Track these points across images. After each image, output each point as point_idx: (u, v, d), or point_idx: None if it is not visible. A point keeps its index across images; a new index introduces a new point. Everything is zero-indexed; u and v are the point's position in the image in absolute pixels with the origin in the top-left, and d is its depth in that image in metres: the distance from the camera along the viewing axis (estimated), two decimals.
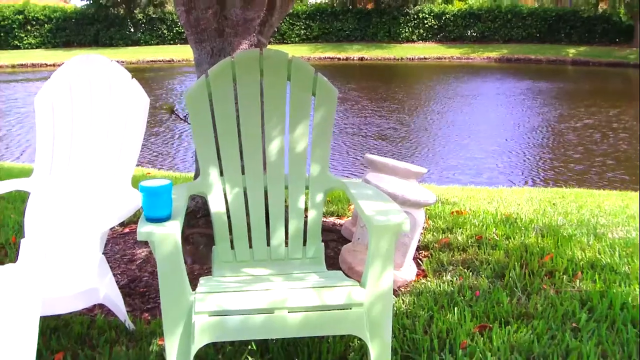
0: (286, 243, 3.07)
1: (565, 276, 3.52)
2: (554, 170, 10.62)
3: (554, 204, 5.76)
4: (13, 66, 34.72)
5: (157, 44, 41.72)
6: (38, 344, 2.25)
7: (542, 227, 4.46)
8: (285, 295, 2.30)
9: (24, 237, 3.06)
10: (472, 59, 35.37)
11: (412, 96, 20.19)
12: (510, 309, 3.11)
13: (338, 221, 4.56)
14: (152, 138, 12.65)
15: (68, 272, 2.79)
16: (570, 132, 13.74)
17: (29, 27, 41.80)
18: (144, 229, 2.25)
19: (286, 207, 3.09)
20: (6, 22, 41.54)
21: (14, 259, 3.67)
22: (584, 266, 3.67)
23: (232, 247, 3.02)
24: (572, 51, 34.65)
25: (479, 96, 20.28)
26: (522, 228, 4.43)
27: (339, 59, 36.25)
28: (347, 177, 3.09)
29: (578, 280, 3.47)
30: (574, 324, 2.96)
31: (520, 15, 39.35)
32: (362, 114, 16.23)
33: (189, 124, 3.06)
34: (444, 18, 40.62)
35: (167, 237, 2.24)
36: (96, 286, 2.68)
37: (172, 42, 41.98)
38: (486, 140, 12.80)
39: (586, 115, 15.98)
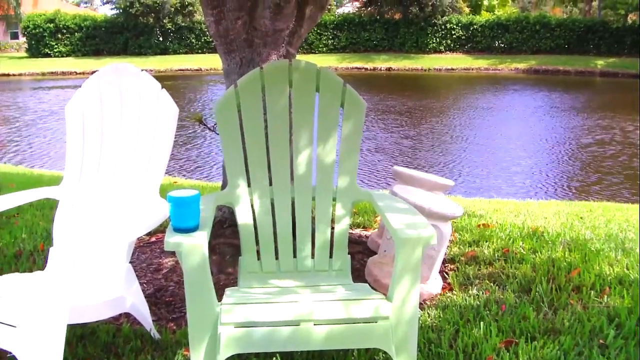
0: (312, 255, 3.06)
1: (592, 291, 3.48)
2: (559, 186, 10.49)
3: (581, 217, 5.71)
4: (43, 74, 35.15)
5: (186, 52, 42.06)
6: (64, 351, 2.26)
7: (570, 241, 4.42)
8: (311, 308, 2.30)
9: (52, 244, 3.08)
10: (499, 70, 35.28)
11: (423, 107, 20.06)
12: (537, 324, 3.08)
13: (364, 233, 4.55)
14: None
15: (95, 281, 2.81)
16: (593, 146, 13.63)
17: (59, 36, 42.37)
18: (172, 239, 2.26)
19: (313, 218, 3.09)
20: (37, 31, 42.13)
21: (42, 267, 3.70)
22: (612, 281, 3.62)
23: (259, 258, 3.03)
24: (600, 62, 34.40)
25: (497, 109, 20.18)
26: (549, 242, 4.39)
27: (366, 69, 36.31)
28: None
29: (606, 296, 3.43)
30: (601, 341, 2.93)
31: (548, 26, 39.17)
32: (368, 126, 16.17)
33: (218, 134, 3.07)
34: (471, 29, 40.57)
35: (194, 247, 2.25)
36: (123, 295, 2.70)
37: (200, 51, 42.28)
38: (493, 155, 12.64)
39: (608, 129, 15.82)
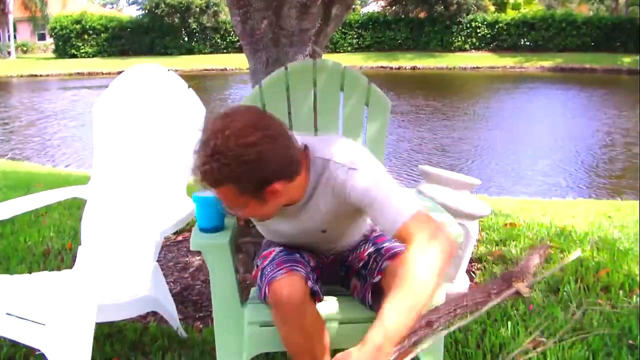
0: None
1: (621, 291, 3.45)
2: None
3: (609, 216, 5.66)
4: (70, 74, 35.43)
5: (211, 52, 42.17)
6: (92, 349, 2.27)
7: (598, 241, 4.38)
8: (337, 307, 2.29)
9: (80, 243, 3.11)
10: (525, 68, 35.03)
11: (426, 108, 19.82)
12: (565, 324, 3.05)
13: None
14: None
15: (123, 280, 2.83)
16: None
17: (86, 37, 42.66)
18: (197, 239, 2.27)
19: None
20: (64, 32, 42.46)
21: (70, 265, 3.73)
22: None
23: None
24: (627, 60, 34.03)
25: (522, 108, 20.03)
26: (577, 241, 4.35)
27: (391, 68, 36.20)
28: None
29: (635, 296, 3.39)
30: (630, 341, 2.90)
31: (574, 24, 38.79)
32: None
33: None
34: (497, 27, 40.30)
35: (220, 247, 2.26)
36: (150, 294, 2.71)
37: (225, 50, 42.36)
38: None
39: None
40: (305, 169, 2.06)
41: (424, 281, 1.77)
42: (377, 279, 2.16)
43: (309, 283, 2.10)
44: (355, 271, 2.32)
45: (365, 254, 2.31)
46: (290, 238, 2.29)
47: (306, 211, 2.15)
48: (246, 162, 1.83)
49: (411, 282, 1.76)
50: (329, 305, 2.31)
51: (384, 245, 2.27)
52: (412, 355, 1.75)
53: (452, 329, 1.80)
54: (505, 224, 4.81)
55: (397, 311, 1.72)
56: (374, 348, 1.67)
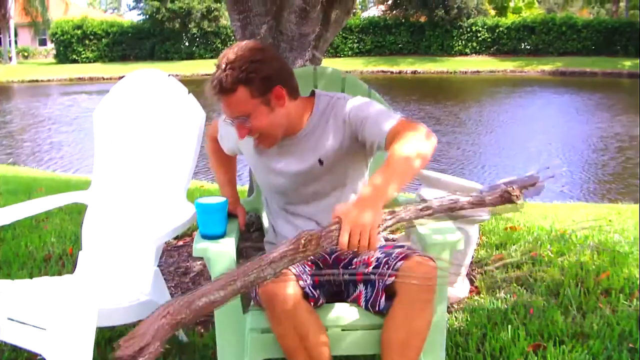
0: None
1: (621, 295, 3.45)
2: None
3: (610, 220, 5.66)
4: (71, 79, 35.47)
5: (212, 57, 42.02)
6: (93, 354, 2.28)
7: (598, 244, 4.38)
8: (338, 313, 2.29)
9: (81, 248, 3.11)
10: (525, 72, 35.02)
11: (418, 113, 19.73)
12: (565, 327, 3.05)
13: (391, 236, 4.54)
14: None
15: (124, 284, 2.83)
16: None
17: (87, 42, 42.73)
18: (199, 246, 2.28)
19: None
20: (65, 37, 42.53)
21: (71, 270, 3.73)
22: None
23: None
24: (627, 64, 34.03)
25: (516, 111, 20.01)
26: (578, 245, 4.35)
27: (391, 72, 36.21)
28: None
29: (635, 299, 3.39)
30: (630, 345, 2.90)
31: (575, 28, 38.84)
32: None
33: None
34: (497, 31, 40.35)
35: (222, 254, 2.27)
36: (151, 298, 2.71)
37: None
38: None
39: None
40: (310, 103, 2.42)
41: (409, 155, 2.02)
42: (390, 280, 2.18)
43: (301, 283, 2.15)
44: (362, 276, 2.32)
45: (372, 258, 2.31)
46: (289, 182, 2.46)
47: (307, 140, 2.40)
48: (254, 61, 2.20)
49: (399, 155, 2.02)
50: (330, 312, 2.31)
51: (395, 250, 2.28)
52: (403, 223, 2.04)
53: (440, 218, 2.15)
54: (506, 228, 4.81)
55: (386, 177, 1.98)
56: (367, 199, 1.95)
